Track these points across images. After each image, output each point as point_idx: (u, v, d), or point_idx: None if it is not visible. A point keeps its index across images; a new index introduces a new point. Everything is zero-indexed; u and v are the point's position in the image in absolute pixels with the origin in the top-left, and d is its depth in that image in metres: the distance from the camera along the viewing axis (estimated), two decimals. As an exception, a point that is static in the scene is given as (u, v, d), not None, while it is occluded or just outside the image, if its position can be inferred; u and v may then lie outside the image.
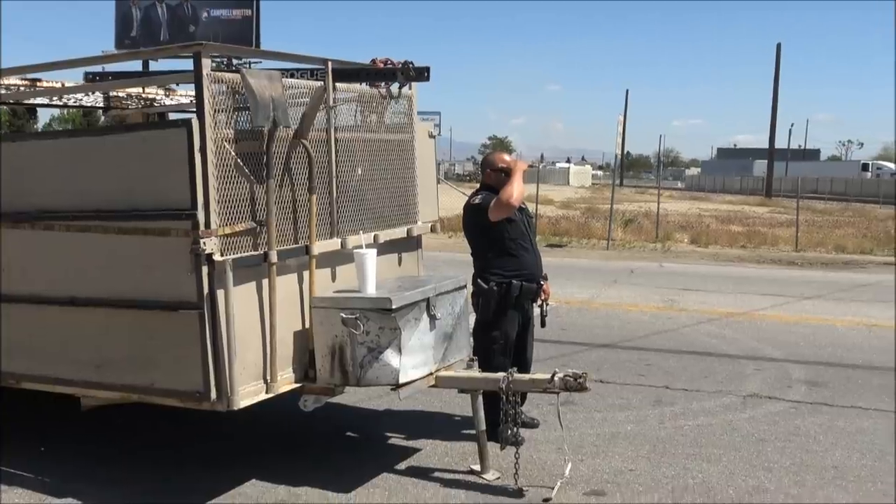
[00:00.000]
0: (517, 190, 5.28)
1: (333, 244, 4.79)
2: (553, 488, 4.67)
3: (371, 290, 4.63)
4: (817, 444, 5.59)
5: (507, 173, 5.48)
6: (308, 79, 4.87)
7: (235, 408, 4.20)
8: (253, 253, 4.28)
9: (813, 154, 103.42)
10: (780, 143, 67.18)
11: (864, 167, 73.56)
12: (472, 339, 5.38)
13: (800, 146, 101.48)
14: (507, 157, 5.67)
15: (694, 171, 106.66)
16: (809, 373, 7.51)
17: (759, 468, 5.12)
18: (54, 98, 6.23)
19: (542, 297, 5.67)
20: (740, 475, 5.00)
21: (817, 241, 20.08)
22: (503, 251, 5.41)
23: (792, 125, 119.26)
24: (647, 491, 4.74)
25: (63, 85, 5.89)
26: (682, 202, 42.93)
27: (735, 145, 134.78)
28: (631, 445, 5.49)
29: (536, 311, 5.69)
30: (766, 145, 56.47)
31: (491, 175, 5.58)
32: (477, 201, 5.46)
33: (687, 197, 53.41)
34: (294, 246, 4.54)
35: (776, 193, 52.30)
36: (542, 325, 5.72)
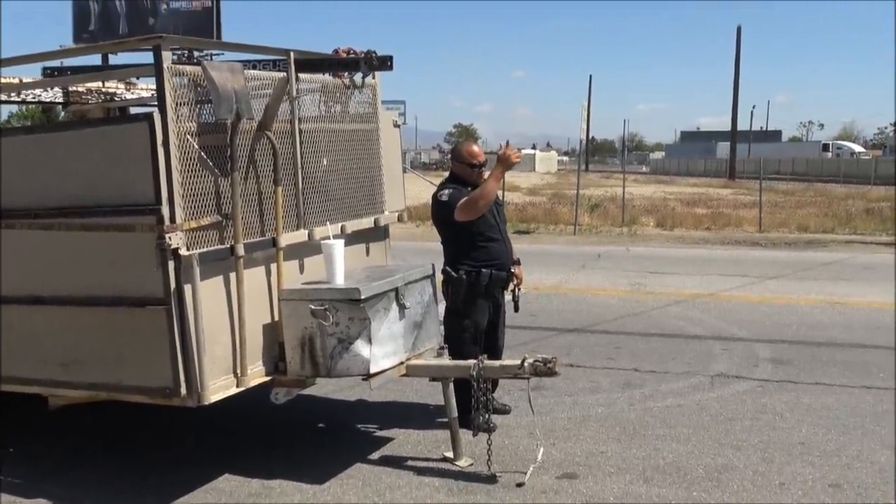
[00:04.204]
0: (484, 199, 5.23)
1: (300, 236, 4.78)
2: (526, 473, 4.71)
3: (339, 280, 4.62)
4: (784, 421, 5.69)
5: (471, 166, 5.47)
6: (270, 70, 4.85)
7: (206, 403, 4.18)
8: (219, 247, 4.25)
9: (774, 135, 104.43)
10: (743, 126, 68.00)
11: (825, 147, 74.48)
12: (442, 327, 5.40)
13: (762, 128, 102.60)
14: (475, 149, 5.61)
15: (658, 154, 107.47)
16: (775, 351, 7.62)
17: (727, 447, 5.19)
18: (12, 94, 6.13)
19: (515, 283, 5.69)
20: (709, 454, 5.07)
21: (780, 222, 20.32)
22: (472, 242, 5.41)
23: (753, 107, 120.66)
24: (618, 472, 4.80)
25: (21, 81, 5.80)
26: (648, 186, 43.23)
27: (698, 128, 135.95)
28: (602, 428, 5.54)
29: (508, 297, 5.71)
30: (728, 128, 57.03)
31: (459, 167, 5.56)
32: (444, 198, 5.41)
33: (652, 180, 53.79)
34: (261, 238, 4.52)
35: (739, 175, 52.82)
36: (516, 309, 5.73)
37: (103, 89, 6.43)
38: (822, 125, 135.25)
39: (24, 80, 5.81)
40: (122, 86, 6.49)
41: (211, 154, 4.22)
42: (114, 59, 11.04)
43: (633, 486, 4.61)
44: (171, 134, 3.97)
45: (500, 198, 5.89)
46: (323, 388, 6.02)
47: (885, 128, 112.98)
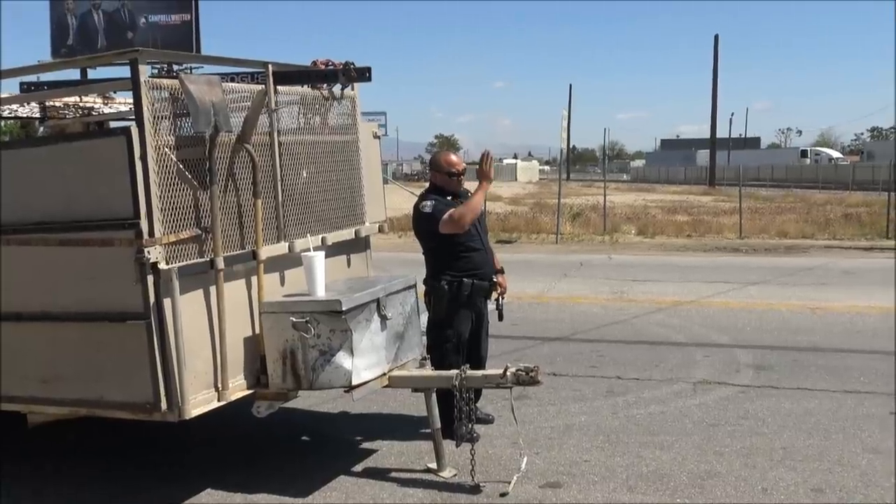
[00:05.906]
0: (471, 214, 5.27)
1: (281, 248, 4.77)
2: (510, 483, 4.70)
3: (320, 292, 4.61)
4: (766, 426, 5.71)
5: (450, 175, 5.48)
6: (249, 82, 4.85)
7: (187, 417, 4.16)
8: (199, 260, 4.24)
9: (754, 142, 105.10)
10: (722, 133, 68.32)
11: (804, 154, 74.96)
12: (424, 338, 5.39)
13: (741, 135, 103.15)
14: (453, 158, 5.63)
15: (639, 163, 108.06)
16: (756, 357, 7.66)
17: (710, 453, 5.21)
18: (-11, 110, 6.08)
19: (499, 291, 5.69)
20: (692, 460, 5.08)
21: (760, 228, 20.47)
22: (454, 253, 5.41)
23: (732, 114, 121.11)
24: (601, 480, 4.80)
25: (-3, 96, 5.76)
26: (629, 194, 43.40)
27: (678, 136, 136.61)
28: (585, 436, 5.55)
29: (491, 306, 5.71)
30: (708, 135, 57.36)
31: (438, 177, 5.57)
32: (427, 210, 5.40)
33: (633, 189, 54.05)
34: (241, 251, 4.51)
35: (719, 182, 53.20)
36: (500, 318, 5.74)
37: (81, 104, 6.40)
38: (800, 132, 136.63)
39: (1, 96, 5.77)
40: (99, 100, 6.46)
41: (190, 167, 4.21)
42: (92, 74, 10.98)
43: (616, 494, 4.62)
44: (149, 148, 3.96)
45: (482, 207, 5.91)
46: (305, 400, 6.00)
47: (862, 134, 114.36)
